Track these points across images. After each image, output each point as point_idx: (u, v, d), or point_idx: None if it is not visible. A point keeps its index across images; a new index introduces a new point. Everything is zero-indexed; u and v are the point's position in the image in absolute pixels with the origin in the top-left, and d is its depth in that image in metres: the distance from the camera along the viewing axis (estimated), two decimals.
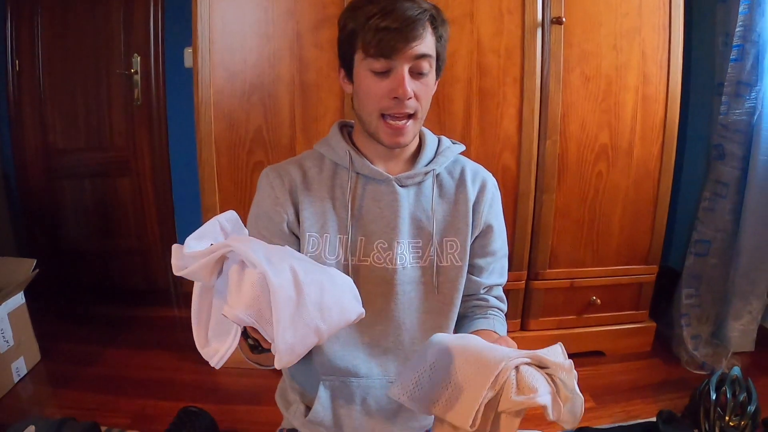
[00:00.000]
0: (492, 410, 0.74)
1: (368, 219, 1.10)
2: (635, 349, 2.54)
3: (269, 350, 0.69)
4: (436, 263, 1.11)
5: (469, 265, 1.16)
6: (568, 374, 0.73)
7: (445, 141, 1.19)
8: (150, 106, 2.96)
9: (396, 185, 1.10)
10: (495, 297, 1.22)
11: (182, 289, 3.14)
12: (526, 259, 2.35)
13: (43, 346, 2.44)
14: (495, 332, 1.10)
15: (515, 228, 2.28)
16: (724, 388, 1.94)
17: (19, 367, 2.28)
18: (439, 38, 1.02)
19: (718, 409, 1.91)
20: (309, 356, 1.12)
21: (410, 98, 1.00)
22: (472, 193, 1.15)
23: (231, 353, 0.69)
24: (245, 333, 0.81)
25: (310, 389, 1.17)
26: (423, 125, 1.15)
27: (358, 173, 1.11)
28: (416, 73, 1.00)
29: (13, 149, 3.03)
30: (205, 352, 0.70)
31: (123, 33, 2.89)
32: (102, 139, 3.04)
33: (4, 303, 2.20)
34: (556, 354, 0.76)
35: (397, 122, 1.02)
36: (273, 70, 2.11)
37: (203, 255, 0.68)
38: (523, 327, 2.46)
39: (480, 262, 1.17)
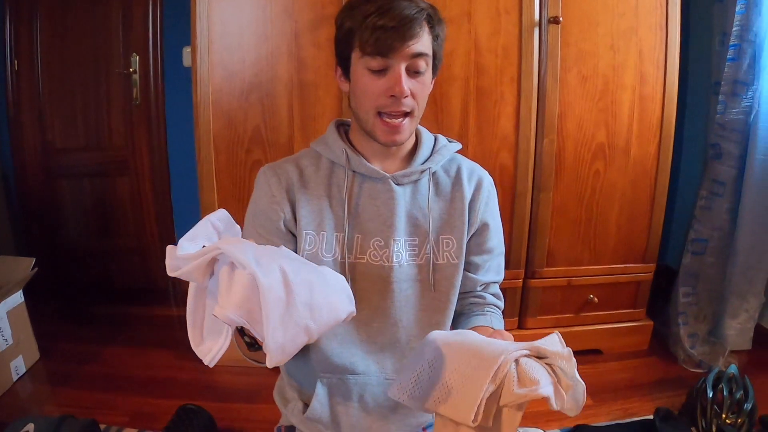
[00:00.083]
0: (494, 404, 0.74)
1: (365, 217, 1.11)
2: (633, 348, 2.55)
3: None
4: (433, 261, 1.12)
5: (465, 262, 1.16)
6: (568, 362, 0.73)
7: (442, 139, 1.20)
8: (149, 106, 2.97)
9: (392, 183, 1.10)
10: (492, 294, 1.22)
11: (180, 287, 3.14)
12: (523, 258, 2.35)
13: (41, 345, 2.44)
14: (491, 327, 1.10)
15: (512, 227, 2.29)
16: (720, 386, 1.94)
17: (18, 366, 2.29)
18: (435, 37, 1.03)
19: (715, 406, 1.91)
20: (306, 354, 1.13)
21: (407, 96, 1.00)
22: (468, 191, 1.15)
23: (223, 352, 0.70)
24: (242, 331, 0.81)
25: (308, 386, 1.18)
26: (420, 124, 1.16)
27: (354, 171, 1.12)
28: (413, 72, 1.01)
29: (12, 149, 3.03)
30: (199, 351, 0.71)
31: (122, 32, 2.89)
32: (101, 139, 3.04)
33: (3, 301, 2.20)
34: (553, 343, 0.76)
35: (394, 120, 1.03)
36: (271, 70, 2.12)
37: (195, 257, 0.68)
38: (521, 325, 2.47)
39: (476, 259, 1.18)
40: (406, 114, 1.03)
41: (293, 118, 2.15)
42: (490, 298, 1.21)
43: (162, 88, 2.97)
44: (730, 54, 2.29)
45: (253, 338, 0.80)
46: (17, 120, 2.99)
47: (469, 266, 1.17)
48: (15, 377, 2.27)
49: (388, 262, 1.09)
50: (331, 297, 0.72)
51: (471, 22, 2.10)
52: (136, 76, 2.93)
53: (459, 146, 1.21)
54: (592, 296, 2.43)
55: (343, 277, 0.78)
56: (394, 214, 1.10)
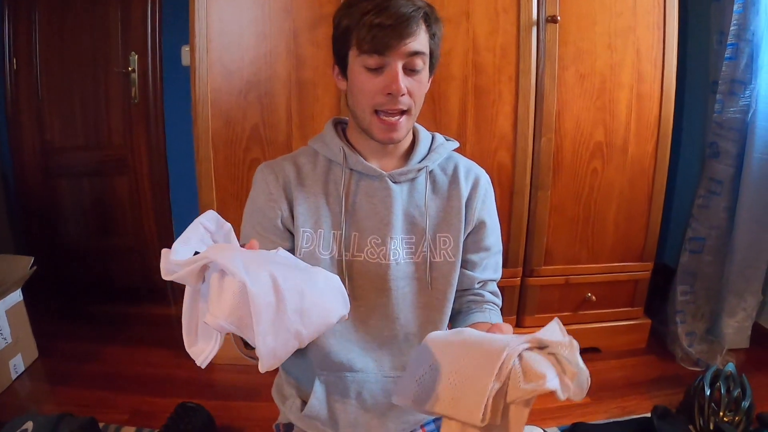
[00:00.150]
0: (500, 402, 0.72)
1: (362, 215, 1.11)
2: (630, 346, 2.56)
3: None
4: (430, 259, 1.12)
5: (463, 260, 1.16)
6: (570, 350, 0.71)
7: (439, 138, 1.20)
8: (147, 105, 2.96)
9: (389, 181, 1.11)
10: (490, 292, 1.23)
11: (179, 287, 3.12)
12: (521, 256, 2.36)
13: (40, 344, 2.45)
14: (490, 323, 1.10)
15: (510, 225, 2.29)
16: (718, 384, 1.95)
17: (17, 364, 2.29)
18: (432, 36, 1.03)
19: (713, 404, 1.92)
20: (304, 351, 1.13)
21: (403, 95, 1.01)
22: (465, 190, 1.16)
23: (214, 354, 0.70)
24: None
25: (306, 384, 1.18)
26: (418, 122, 1.17)
27: (351, 169, 1.12)
28: (409, 70, 1.01)
29: (10, 148, 3.03)
30: (192, 351, 0.71)
31: (120, 31, 2.89)
32: (99, 138, 3.03)
33: (2, 300, 2.21)
34: (554, 332, 0.74)
35: (390, 118, 1.03)
36: (270, 68, 2.12)
37: (187, 264, 0.69)
38: (519, 324, 2.47)
39: (473, 257, 1.18)
40: (402, 112, 1.04)
41: (292, 117, 2.16)
42: (488, 296, 1.22)
43: (161, 87, 2.97)
44: (727, 53, 2.29)
45: None
46: (16, 119, 2.99)
47: (466, 264, 1.18)
48: (14, 376, 2.27)
49: (385, 260, 1.10)
50: (323, 301, 0.73)
51: (469, 21, 2.10)
52: (135, 75, 2.93)
53: (456, 144, 1.21)
54: (590, 294, 2.44)
55: (338, 278, 0.78)
56: (391, 212, 1.10)
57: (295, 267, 0.75)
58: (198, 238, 0.74)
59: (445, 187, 1.16)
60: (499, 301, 1.24)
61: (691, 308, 2.50)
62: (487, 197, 1.19)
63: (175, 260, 0.69)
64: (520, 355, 0.72)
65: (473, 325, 1.06)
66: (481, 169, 1.22)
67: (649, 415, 1.98)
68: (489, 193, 1.20)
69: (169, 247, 0.72)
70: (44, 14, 2.87)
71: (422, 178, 1.14)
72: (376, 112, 1.03)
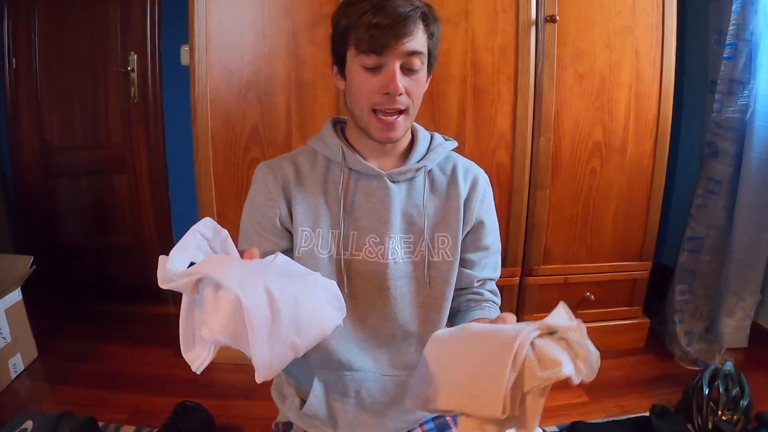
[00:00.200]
0: (518, 392, 0.71)
1: (360, 214, 1.11)
2: (629, 345, 2.56)
3: None
4: (428, 258, 1.12)
5: (461, 259, 1.17)
6: (580, 334, 0.72)
7: (438, 137, 1.20)
8: (146, 104, 2.97)
9: (388, 181, 1.11)
10: (489, 291, 1.23)
11: None
12: (520, 256, 2.36)
13: (40, 343, 2.45)
14: (489, 318, 1.10)
15: (509, 224, 2.29)
16: (716, 383, 1.96)
17: (16, 364, 2.30)
18: (431, 35, 1.03)
19: (711, 403, 1.92)
20: None
21: (401, 94, 1.01)
22: (463, 189, 1.16)
23: (210, 361, 0.70)
24: None
25: (305, 383, 1.18)
26: (417, 122, 1.17)
27: (350, 169, 1.12)
28: (407, 70, 1.01)
29: (10, 147, 3.03)
30: (188, 357, 0.71)
31: (120, 31, 2.89)
32: (99, 137, 3.04)
33: (1, 299, 2.21)
34: (561, 317, 0.74)
35: (388, 117, 1.03)
36: (269, 68, 2.12)
37: (182, 276, 0.69)
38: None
39: (472, 256, 1.18)
40: (400, 111, 1.04)
41: (291, 117, 2.16)
42: (487, 295, 1.22)
43: (160, 86, 2.97)
44: (726, 53, 2.30)
45: None
46: (15, 118, 2.99)
47: (465, 263, 1.18)
48: (13, 375, 2.27)
49: (383, 259, 1.10)
50: (318, 312, 0.73)
51: (468, 20, 2.11)
52: (134, 75, 2.93)
53: (455, 144, 1.21)
54: (588, 294, 2.44)
55: (334, 284, 0.79)
56: (389, 211, 1.10)
57: (291, 275, 0.75)
58: (195, 245, 0.74)
59: (443, 187, 1.16)
60: (499, 300, 1.25)
61: (690, 308, 2.51)
62: (486, 197, 1.20)
63: (172, 270, 0.69)
64: (532, 343, 0.72)
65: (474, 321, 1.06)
66: (480, 168, 1.22)
67: (647, 414, 1.98)
68: (488, 193, 1.20)
69: (167, 253, 0.72)
70: (44, 14, 2.88)
71: (421, 177, 1.14)
72: (374, 111, 1.03)
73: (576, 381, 0.70)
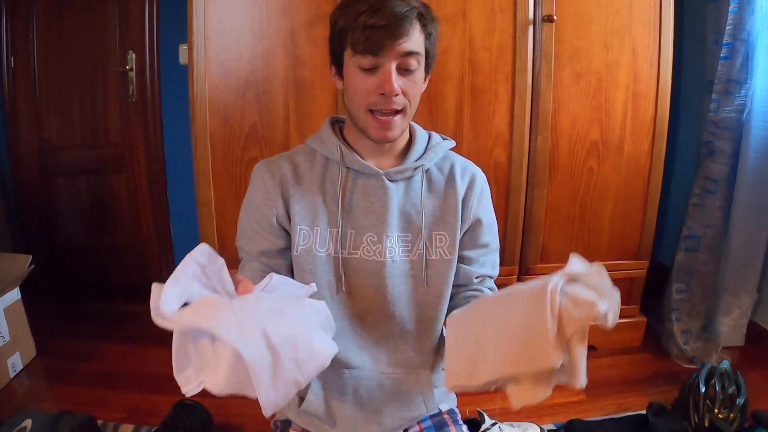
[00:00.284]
0: (563, 339, 0.71)
1: (358, 212, 1.12)
2: (626, 344, 2.57)
3: None
4: (426, 257, 1.13)
5: (460, 257, 1.17)
6: (600, 277, 0.73)
7: (436, 137, 1.21)
8: (145, 103, 2.97)
9: (386, 180, 1.11)
10: (488, 288, 1.23)
11: None
12: (517, 254, 2.37)
13: (38, 342, 2.45)
14: None
15: (506, 223, 2.30)
16: (713, 381, 1.97)
17: (15, 363, 2.30)
18: (428, 35, 1.04)
19: (708, 401, 1.93)
20: None
21: (397, 95, 1.01)
22: (461, 188, 1.16)
23: (200, 390, 0.70)
24: None
25: None
26: (415, 121, 1.17)
27: (348, 168, 1.13)
28: (404, 70, 1.01)
29: (8, 146, 3.03)
30: (179, 378, 0.71)
31: (118, 30, 2.89)
32: (97, 136, 3.04)
33: (0, 299, 2.21)
34: (579, 265, 0.75)
35: (385, 117, 1.04)
36: (268, 67, 2.12)
37: (175, 323, 0.68)
38: None
39: (470, 253, 1.19)
40: (397, 111, 1.04)
41: (289, 116, 2.16)
42: (486, 291, 1.22)
43: (158, 85, 2.97)
44: (723, 53, 2.31)
45: None
46: (13, 117, 2.99)
47: (463, 260, 1.18)
48: (12, 374, 2.27)
49: (381, 257, 1.10)
50: (316, 346, 0.74)
51: (466, 20, 2.11)
52: (133, 74, 2.93)
53: (453, 144, 1.22)
54: None
55: (323, 304, 0.79)
56: (387, 210, 1.11)
57: (285, 309, 0.75)
58: (190, 275, 0.73)
59: (441, 186, 1.17)
60: None
61: (687, 306, 2.52)
62: (483, 195, 1.20)
63: (165, 312, 0.68)
64: (562, 291, 0.73)
65: None
66: (477, 167, 1.23)
67: (644, 412, 1.99)
68: (485, 192, 1.21)
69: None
70: (42, 13, 2.88)
71: (418, 176, 1.15)
72: (371, 111, 1.04)
73: (609, 321, 0.70)
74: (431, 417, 1.24)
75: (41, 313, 2.65)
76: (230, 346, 0.64)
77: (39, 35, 2.90)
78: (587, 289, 0.72)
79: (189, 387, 0.69)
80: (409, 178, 1.14)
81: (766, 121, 2.27)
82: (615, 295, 0.72)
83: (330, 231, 1.11)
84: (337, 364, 1.14)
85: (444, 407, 1.27)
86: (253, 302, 0.73)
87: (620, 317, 2.18)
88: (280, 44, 2.10)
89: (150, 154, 3.04)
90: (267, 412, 0.69)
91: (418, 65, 1.03)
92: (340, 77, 1.09)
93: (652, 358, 2.49)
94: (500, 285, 1.42)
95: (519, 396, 0.75)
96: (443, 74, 2.14)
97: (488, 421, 1.85)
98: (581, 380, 0.72)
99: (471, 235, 1.18)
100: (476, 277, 1.20)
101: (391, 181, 1.12)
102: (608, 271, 0.75)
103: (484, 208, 1.20)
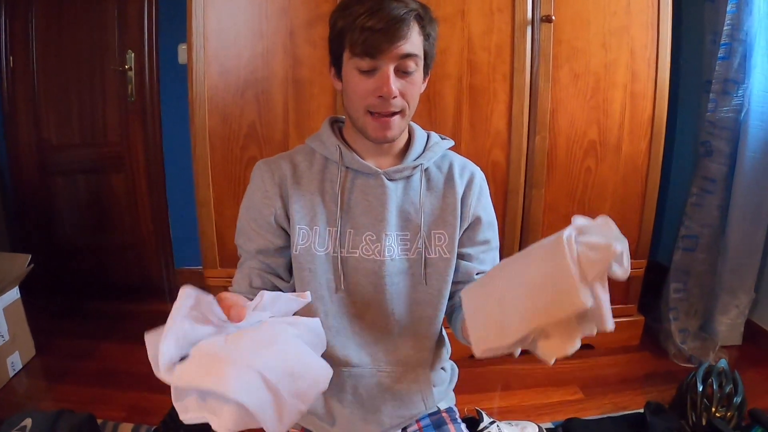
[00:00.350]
0: (586, 283, 0.72)
1: (357, 212, 1.12)
2: (624, 343, 2.58)
3: None
4: (425, 255, 1.13)
5: (460, 254, 1.17)
6: (608, 227, 0.74)
7: (434, 136, 1.21)
8: (144, 102, 2.97)
9: (384, 179, 1.12)
10: None
11: (175, 284, 3.16)
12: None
13: (37, 341, 2.46)
14: None
15: (505, 223, 2.30)
16: (710, 380, 1.97)
17: (14, 362, 2.30)
18: (426, 37, 1.04)
19: (705, 400, 1.93)
20: None
21: (395, 97, 1.02)
22: (460, 187, 1.17)
23: (199, 422, 0.71)
24: None
25: None
26: (414, 121, 1.18)
27: (347, 167, 1.13)
28: (402, 72, 1.02)
29: (7, 145, 3.03)
30: (178, 406, 0.70)
31: (117, 29, 2.89)
32: (96, 135, 3.04)
33: None
34: (584, 220, 0.76)
35: (384, 117, 1.04)
36: (267, 67, 2.13)
37: (175, 380, 0.68)
38: None
39: (470, 250, 1.18)
40: (395, 113, 1.05)
41: (288, 115, 2.17)
42: None
43: (157, 84, 2.97)
44: (721, 53, 2.31)
45: None
46: (12, 117, 2.99)
47: (463, 256, 1.18)
48: (11, 373, 2.28)
49: (380, 256, 1.11)
50: (313, 374, 0.74)
51: (464, 20, 2.12)
52: (132, 73, 2.93)
53: (451, 143, 1.22)
54: None
55: (317, 321, 0.79)
56: (385, 208, 1.11)
57: (277, 336, 0.74)
58: (181, 317, 0.73)
59: (440, 185, 1.17)
60: None
61: (684, 305, 2.52)
62: (482, 193, 1.20)
63: (163, 366, 0.68)
64: (576, 241, 0.74)
65: None
66: (476, 166, 1.23)
67: (642, 411, 2.00)
68: (484, 189, 1.21)
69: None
70: (41, 12, 2.87)
71: (417, 175, 1.15)
72: (370, 112, 1.05)
73: (625, 262, 0.73)
74: (430, 415, 1.25)
75: (40, 313, 2.65)
76: (233, 401, 0.65)
77: (38, 35, 2.90)
78: (598, 236, 0.74)
79: (188, 416, 0.69)
80: (408, 177, 1.15)
81: (764, 121, 2.28)
82: (625, 241, 0.73)
83: (329, 230, 1.12)
84: (336, 363, 1.14)
85: (442, 406, 1.27)
86: (246, 340, 0.72)
87: (618, 316, 2.20)
88: (279, 44, 2.11)
89: (149, 153, 3.04)
90: None
91: (416, 67, 1.03)
92: (339, 78, 1.09)
93: (649, 357, 2.50)
94: None
95: (550, 350, 0.76)
96: (442, 74, 2.14)
97: (486, 420, 1.85)
98: (609, 323, 0.73)
99: (471, 232, 1.19)
100: (476, 274, 1.20)
101: (390, 180, 1.13)
102: None
103: (483, 206, 1.20)
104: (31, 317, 2.41)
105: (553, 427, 1.99)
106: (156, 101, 2.98)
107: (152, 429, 1.94)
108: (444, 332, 1.26)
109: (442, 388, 1.25)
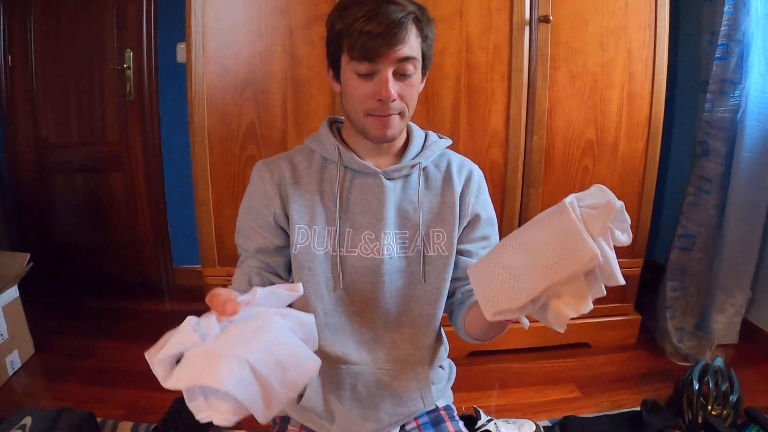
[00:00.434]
0: (594, 240, 0.74)
1: (356, 211, 1.13)
2: (621, 341, 2.58)
3: None
4: (423, 253, 1.14)
5: (460, 251, 1.18)
6: (603, 191, 0.77)
7: (432, 136, 1.22)
8: (142, 101, 2.97)
9: (383, 178, 1.12)
10: None
11: (174, 283, 3.16)
12: None
13: (37, 340, 2.46)
14: None
15: (502, 222, 2.31)
16: (707, 379, 1.98)
17: (14, 360, 2.30)
18: (424, 38, 1.04)
19: (701, 398, 1.94)
20: None
21: (394, 100, 1.02)
22: (458, 185, 1.17)
23: (213, 420, 0.72)
24: None
25: None
26: (413, 121, 1.18)
27: (346, 167, 1.14)
28: (400, 75, 1.02)
29: (5, 144, 3.03)
30: (191, 406, 0.72)
31: (116, 28, 2.89)
32: (94, 134, 3.04)
33: None
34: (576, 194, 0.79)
35: (383, 116, 1.05)
36: (266, 66, 2.13)
37: (175, 381, 0.70)
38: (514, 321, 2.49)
39: (469, 247, 1.19)
40: (394, 114, 1.05)
41: (287, 115, 2.17)
42: None
43: (156, 83, 2.98)
44: (718, 53, 2.32)
45: None
46: (11, 116, 2.99)
47: (462, 253, 1.18)
48: (11, 372, 2.28)
49: (378, 255, 1.12)
50: (302, 364, 0.74)
51: (462, 20, 2.12)
52: (130, 72, 2.93)
53: (449, 142, 1.23)
54: None
55: (311, 318, 0.79)
56: (384, 207, 1.12)
57: (266, 325, 0.75)
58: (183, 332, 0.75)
59: (438, 183, 1.18)
60: None
61: (681, 304, 2.53)
62: (480, 191, 1.21)
63: (168, 384, 0.70)
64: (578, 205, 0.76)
65: (473, 308, 1.07)
66: (474, 164, 1.24)
67: (638, 409, 2.01)
68: (482, 187, 1.22)
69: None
70: (39, 11, 2.88)
71: (416, 174, 1.16)
72: (369, 114, 1.05)
73: (627, 217, 0.76)
74: (428, 413, 1.26)
75: (39, 311, 2.65)
76: (224, 392, 0.67)
77: (36, 33, 2.90)
78: (596, 199, 0.77)
79: (201, 415, 0.71)
80: (407, 176, 1.16)
81: (760, 121, 2.29)
82: (619, 201, 0.76)
83: (328, 229, 1.12)
84: (335, 360, 1.15)
85: (441, 403, 1.28)
86: (236, 332, 0.73)
87: (615, 315, 2.21)
88: (278, 43, 2.11)
89: (148, 152, 3.05)
90: (263, 423, 0.72)
91: (414, 69, 1.04)
92: (338, 81, 1.10)
93: (646, 356, 2.50)
94: None
95: (562, 310, 0.77)
96: (440, 74, 2.15)
97: (484, 418, 1.86)
98: (619, 277, 0.76)
99: (470, 230, 1.19)
100: None
101: (388, 179, 1.13)
102: None
103: (482, 203, 1.20)
104: (30, 316, 2.42)
105: (550, 425, 2.00)
106: (155, 100, 2.99)
107: (152, 427, 1.94)
108: (442, 330, 1.26)
109: (441, 386, 1.26)
